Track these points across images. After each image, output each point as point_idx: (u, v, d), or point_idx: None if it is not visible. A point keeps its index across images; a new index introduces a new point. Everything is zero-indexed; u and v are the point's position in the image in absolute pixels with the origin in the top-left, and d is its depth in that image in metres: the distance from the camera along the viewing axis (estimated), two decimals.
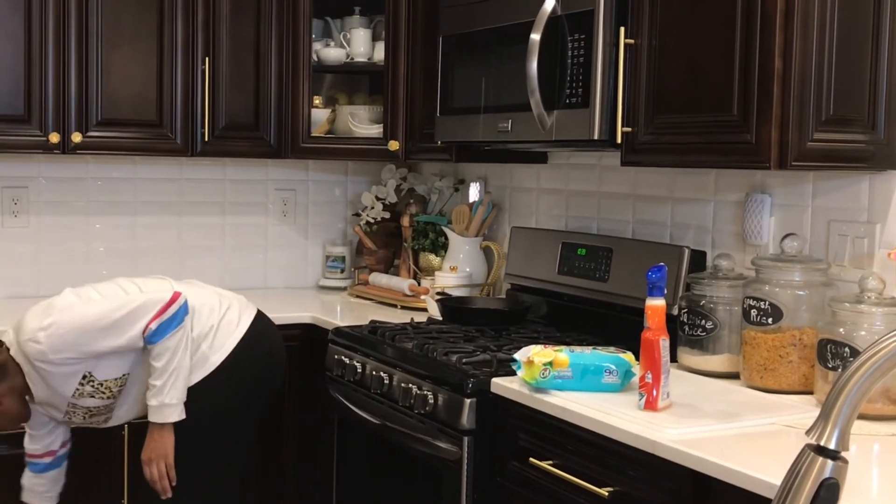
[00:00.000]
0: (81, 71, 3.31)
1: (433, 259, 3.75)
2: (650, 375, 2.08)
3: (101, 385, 2.60)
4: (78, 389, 2.58)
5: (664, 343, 2.09)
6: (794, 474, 0.94)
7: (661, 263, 2.17)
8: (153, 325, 2.55)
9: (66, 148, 3.31)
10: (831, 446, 0.93)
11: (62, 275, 3.67)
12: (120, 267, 3.74)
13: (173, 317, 2.58)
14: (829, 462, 0.93)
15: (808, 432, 0.95)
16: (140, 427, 3.13)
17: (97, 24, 3.31)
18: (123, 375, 2.62)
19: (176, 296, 2.60)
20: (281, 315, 3.43)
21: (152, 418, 2.63)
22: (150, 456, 2.65)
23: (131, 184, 3.77)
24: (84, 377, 2.56)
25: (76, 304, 2.59)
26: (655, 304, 2.11)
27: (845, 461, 0.94)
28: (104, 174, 3.73)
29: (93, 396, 2.61)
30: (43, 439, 2.76)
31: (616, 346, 2.38)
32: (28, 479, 2.79)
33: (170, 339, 2.57)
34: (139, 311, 2.55)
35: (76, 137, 3.31)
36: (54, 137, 3.28)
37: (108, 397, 2.64)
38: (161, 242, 3.83)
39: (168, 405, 2.60)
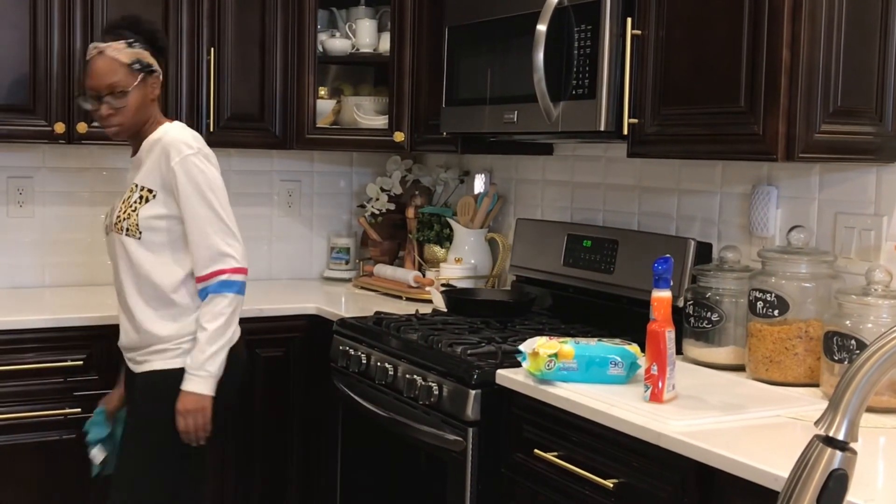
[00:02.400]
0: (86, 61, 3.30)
1: (438, 251, 3.74)
2: (656, 367, 2.07)
3: (132, 210, 2.58)
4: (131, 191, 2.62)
5: (670, 335, 2.09)
6: (803, 465, 0.93)
7: (668, 255, 2.17)
8: (223, 277, 2.53)
9: (71, 138, 3.31)
10: (840, 437, 0.93)
11: (67, 265, 3.68)
12: None
13: (240, 284, 2.57)
14: (838, 453, 0.93)
15: (816, 423, 0.95)
16: None
17: (102, 14, 3.31)
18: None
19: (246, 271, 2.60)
20: (285, 306, 3.44)
21: (192, 387, 2.52)
22: (189, 408, 2.53)
23: None
24: (142, 196, 2.57)
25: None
26: (661, 295, 2.11)
27: (854, 452, 0.93)
28: (109, 164, 3.73)
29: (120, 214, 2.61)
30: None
31: (621, 338, 2.37)
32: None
33: (229, 303, 2.54)
34: (231, 251, 2.55)
35: (81, 128, 3.30)
36: (59, 127, 3.28)
37: (118, 228, 2.60)
38: None
39: (213, 375, 2.53)
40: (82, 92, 2.67)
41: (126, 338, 2.69)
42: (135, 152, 2.64)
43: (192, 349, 2.55)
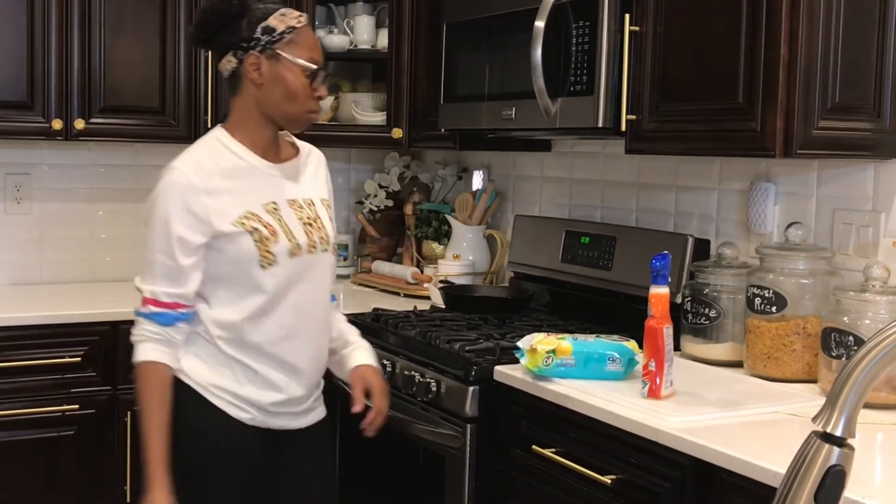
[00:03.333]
0: (84, 57, 3.30)
1: (436, 247, 3.74)
2: (653, 363, 2.07)
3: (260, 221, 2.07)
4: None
5: (668, 331, 2.09)
6: (801, 461, 0.93)
7: (665, 252, 2.17)
8: None
9: (68, 134, 3.31)
10: (838, 433, 0.93)
11: (65, 262, 3.68)
12: (122, 254, 3.74)
13: None
14: (836, 449, 0.93)
15: (814, 419, 0.95)
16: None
17: (100, 10, 3.30)
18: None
19: None
20: None
21: (371, 360, 2.32)
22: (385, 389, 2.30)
23: (134, 171, 3.77)
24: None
25: None
26: (659, 292, 2.11)
27: (852, 448, 0.93)
28: (107, 161, 3.72)
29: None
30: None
31: (619, 335, 2.37)
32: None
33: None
34: None
35: (79, 124, 3.30)
36: (57, 124, 3.27)
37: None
38: None
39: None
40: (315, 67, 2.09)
41: (303, 383, 2.16)
42: (269, 154, 2.14)
43: (347, 330, 2.33)
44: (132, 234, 3.76)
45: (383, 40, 3.64)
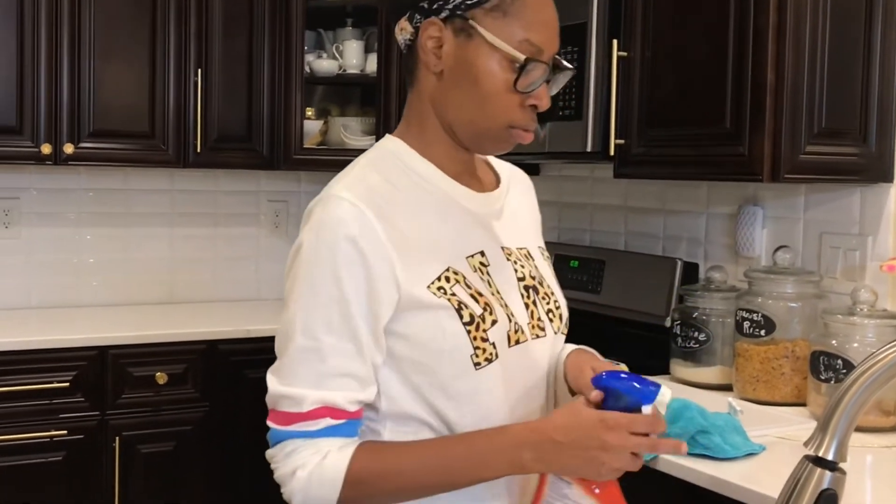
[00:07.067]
0: (74, 81, 3.30)
1: None
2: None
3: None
4: None
5: None
6: (793, 485, 0.94)
7: (620, 369, 1.38)
8: None
9: (57, 159, 3.30)
10: (829, 457, 0.93)
11: (53, 286, 3.66)
12: (111, 279, 3.73)
13: None
14: (828, 473, 0.93)
15: (806, 444, 0.95)
16: (131, 439, 3.13)
17: (90, 35, 3.31)
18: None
19: None
20: (273, 326, 3.40)
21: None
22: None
23: (123, 195, 3.76)
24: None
25: None
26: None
27: (843, 472, 0.94)
28: (96, 185, 3.72)
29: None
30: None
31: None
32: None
33: None
34: None
35: (68, 148, 3.30)
36: (46, 148, 3.27)
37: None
38: (153, 254, 3.82)
39: None
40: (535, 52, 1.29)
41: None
42: (465, 177, 1.40)
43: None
44: (121, 258, 3.76)
45: (372, 65, 3.65)
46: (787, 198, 2.57)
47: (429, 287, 1.26)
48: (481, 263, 1.34)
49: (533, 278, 1.41)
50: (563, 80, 1.35)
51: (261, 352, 3.35)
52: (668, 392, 1.25)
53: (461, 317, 1.27)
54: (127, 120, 3.40)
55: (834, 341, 2.17)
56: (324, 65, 3.71)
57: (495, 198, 1.43)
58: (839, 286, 2.41)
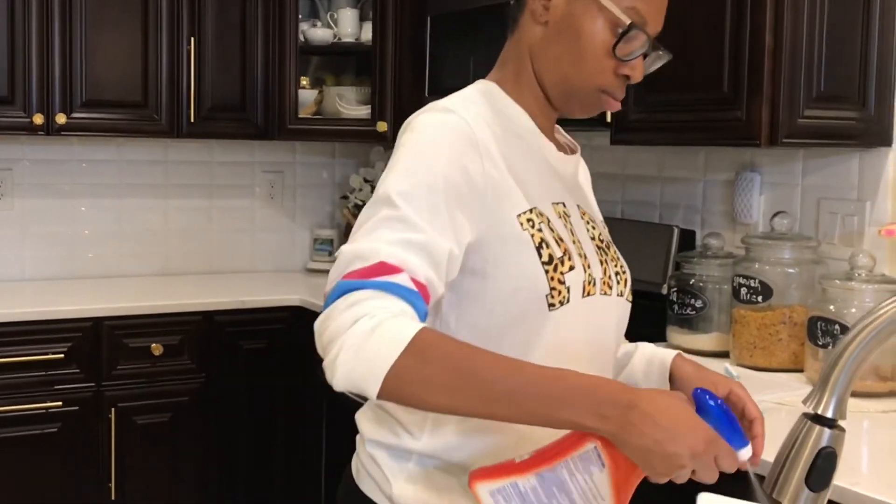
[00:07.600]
0: (66, 51, 3.27)
1: None
2: None
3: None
4: None
5: None
6: (791, 443, 0.93)
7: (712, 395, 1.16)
8: None
9: (50, 129, 3.28)
10: (829, 415, 0.93)
11: (47, 258, 3.65)
12: (106, 250, 3.72)
13: None
14: (827, 430, 0.92)
15: (805, 401, 0.95)
16: (127, 410, 3.13)
17: (81, 4, 3.27)
18: None
19: None
20: (268, 297, 3.42)
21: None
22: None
23: (117, 166, 3.74)
24: None
25: None
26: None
27: (842, 430, 0.93)
28: (89, 156, 3.69)
29: None
30: None
31: None
32: None
33: None
34: None
35: (60, 119, 3.27)
36: (38, 119, 3.24)
37: None
38: (147, 225, 3.80)
39: None
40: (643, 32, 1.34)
41: None
42: (549, 134, 1.42)
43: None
44: (115, 229, 3.74)
45: (367, 33, 3.62)
46: (785, 164, 2.55)
47: (519, 217, 1.25)
48: (564, 212, 1.34)
49: (602, 241, 1.41)
50: (658, 62, 1.38)
51: (256, 322, 3.35)
52: (748, 453, 1.08)
53: (540, 255, 1.25)
54: (119, 90, 3.37)
55: (832, 307, 2.16)
56: (318, 33, 3.68)
57: (572, 162, 1.45)
58: (837, 252, 2.40)
